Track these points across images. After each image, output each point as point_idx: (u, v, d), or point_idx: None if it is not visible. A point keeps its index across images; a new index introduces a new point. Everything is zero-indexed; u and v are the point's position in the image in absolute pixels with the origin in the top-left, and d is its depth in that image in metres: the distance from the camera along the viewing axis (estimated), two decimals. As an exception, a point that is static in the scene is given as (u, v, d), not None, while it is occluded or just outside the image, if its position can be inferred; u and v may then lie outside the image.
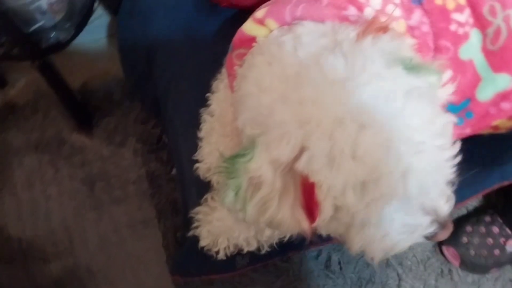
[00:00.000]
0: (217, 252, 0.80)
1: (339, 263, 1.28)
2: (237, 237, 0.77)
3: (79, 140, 1.36)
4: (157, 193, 1.33)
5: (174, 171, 1.33)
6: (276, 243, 0.80)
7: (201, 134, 0.83)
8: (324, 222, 0.51)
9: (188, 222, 0.95)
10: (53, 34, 1.09)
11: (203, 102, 0.84)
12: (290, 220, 0.52)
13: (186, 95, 0.87)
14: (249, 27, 0.64)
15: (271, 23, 0.61)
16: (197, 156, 0.83)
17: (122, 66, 1.05)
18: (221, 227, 0.77)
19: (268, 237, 0.78)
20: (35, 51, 1.06)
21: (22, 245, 1.27)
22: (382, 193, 0.47)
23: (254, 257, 0.86)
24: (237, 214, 0.53)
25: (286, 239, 0.78)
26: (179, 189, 0.96)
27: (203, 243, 0.79)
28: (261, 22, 0.62)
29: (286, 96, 0.50)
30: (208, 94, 0.82)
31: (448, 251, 1.29)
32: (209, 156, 0.81)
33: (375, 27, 0.53)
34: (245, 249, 0.79)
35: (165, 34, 0.90)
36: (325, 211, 0.50)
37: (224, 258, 0.80)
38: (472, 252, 1.24)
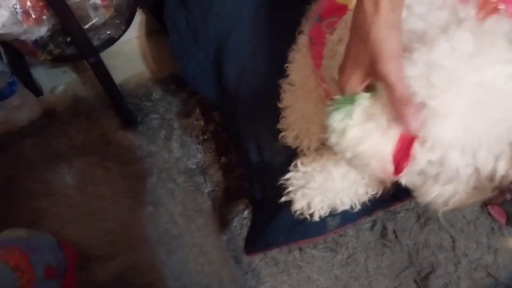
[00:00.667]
0: (311, 215, 0.82)
1: (394, 231, 1.31)
2: (333, 197, 0.80)
3: (125, 138, 1.37)
4: (209, 182, 1.35)
5: (223, 159, 1.36)
6: (367, 201, 0.83)
7: (282, 104, 0.86)
8: (409, 174, 0.56)
9: (265, 197, 0.99)
10: (105, 31, 1.11)
11: (278, 76, 0.87)
12: (379, 162, 0.56)
13: (261, 71, 0.90)
14: None
15: None
16: (281, 125, 0.86)
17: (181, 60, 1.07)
18: (317, 189, 0.79)
19: (362, 195, 0.81)
20: (89, 49, 1.08)
21: (79, 247, 1.27)
22: (475, 162, 0.53)
23: (344, 217, 0.89)
24: (333, 140, 0.56)
25: (377, 195, 0.82)
26: (253, 165, 0.98)
27: (297, 206, 0.82)
28: None
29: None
30: (286, 65, 0.85)
31: (494, 210, 1.34)
32: (295, 123, 0.84)
33: (490, 8, 0.57)
34: (339, 209, 0.82)
35: (235, 19, 0.92)
36: (418, 164, 0.55)
37: (318, 220, 0.83)
38: (517, 208, 1.29)
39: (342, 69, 0.56)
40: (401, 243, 1.31)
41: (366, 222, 1.33)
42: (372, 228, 1.32)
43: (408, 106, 0.51)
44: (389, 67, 0.50)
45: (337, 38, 0.68)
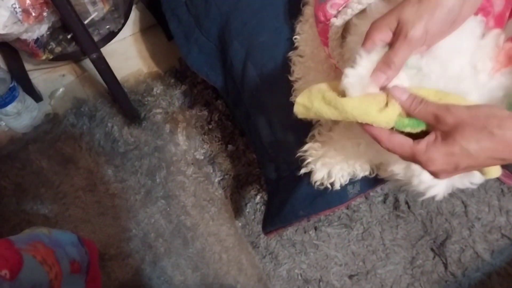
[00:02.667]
0: (332, 184, 0.83)
1: (406, 202, 1.32)
2: (353, 164, 0.80)
3: (131, 135, 1.37)
4: (219, 171, 1.35)
5: (230, 147, 1.36)
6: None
7: (293, 76, 0.86)
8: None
9: (279, 170, 0.99)
10: (104, 26, 1.11)
11: (286, 49, 0.88)
12: None
13: (268, 46, 0.90)
14: None
15: None
16: (294, 98, 0.86)
17: (180, 43, 1.06)
18: (337, 157, 0.80)
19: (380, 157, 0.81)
20: (90, 45, 1.08)
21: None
22: None
23: (364, 184, 0.90)
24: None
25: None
26: (265, 144, 0.99)
27: (318, 176, 0.82)
28: None
29: None
30: (295, 37, 0.85)
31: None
32: (309, 94, 0.84)
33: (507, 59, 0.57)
34: (359, 175, 0.82)
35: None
36: None
37: (339, 189, 0.83)
38: (523, 169, 1.30)
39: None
40: (414, 213, 1.32)
41: (378, 196, 1.34)
42: (384, 201, 1.33)
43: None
44: None
45: (341, 23, 0.69)
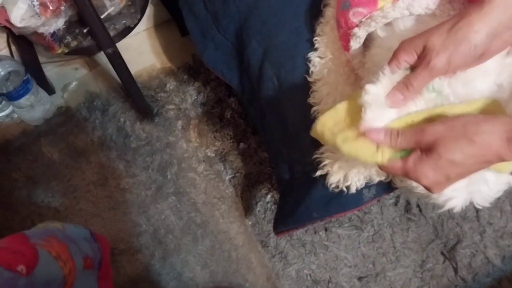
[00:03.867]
0: (348, 187, 0.82)
1: (418, 205, 1.32)
2: (370, 168, 0.80)
3: (143, 131, 1.37)
4: (230, 169, 1.35)
5: (242, 145, 1.36)
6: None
7: (312, 78, 0.85)
8: None
9: (293, 172, 0.98)
10: (120, 20, 1.11)
11: (306, 50, 0.87)
12: None
13: (287, 46, 0.90)
14: None
15: None
16: (312, 99, 0.86)
17: (197, 41, 1.06)
18: (354, 160, 0.79)
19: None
20: (106, 40, 1.07)
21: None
22: None
23: (379, 188, 0.89)
24: None
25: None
26: (278, 140, 0.98)
27: (334, 179, 0.81)
28: None
29: None
30: (315, 39, 0.84)
31: None
32: (328, 96, 0.83)
33: None
34: (376, 179, 0.81)
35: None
36: None
37: (354, 192, 0.83)
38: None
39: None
40: (425, 216, 1.31)
41: (389, 198, 1.33)
42: (396, 203, 1.33)
43: None
44: None
45: (364, 35, 0.69)
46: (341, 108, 0.60)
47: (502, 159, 0.49)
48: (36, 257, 0.72)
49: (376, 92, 0.56)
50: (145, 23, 1.49)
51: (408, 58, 0.55)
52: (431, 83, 0.57)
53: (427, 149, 0.52)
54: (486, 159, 0.50)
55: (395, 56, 0.56)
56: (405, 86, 0.55)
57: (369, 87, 0.56)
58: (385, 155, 0.56)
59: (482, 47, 0.52)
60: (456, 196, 0.58)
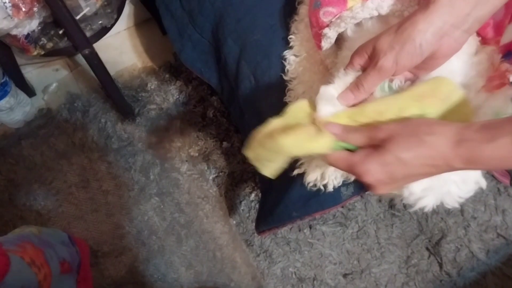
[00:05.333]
0: (325, 186, 0.82)
1: (402, 201, 1.31)
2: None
3: (124, 131, 1.36)
4: (213, 168, 1.34)
5: (225, 144, 1.35)
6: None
7: (288, 76, 0.84)
8: None
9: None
10: (97, 21, 1.09)
11: (281, 48, 0.86)
12: None
13: (262, 44, 0.89)
14: None
15: None
16: (288, 98, 0.85)
17: (175, 40, 1.05)
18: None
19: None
20: (82, 41, 1.06)
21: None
22: None
23: (357, 186, 0.89)
24: None
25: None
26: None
27: (311, 178, 0.80)
28: None
29: None
30: (290, 37, 0.83)
31: (496, 172, 1.35)
32: (304, 95, 0.82)
33: (496, 83, 0.57)
34: (352, 177, 0.81)
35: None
36: None
37: (332, 190, 0.82)
38: (520, 168, 1.29)
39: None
40: (409, 212, 1.31)
41: (373, 194, 1.33)
42: (380, 199, 1.32)
43: None
44: None
45: (334, 35, 0.69)
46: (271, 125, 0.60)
47: (449, 165, 0.48)
48: (7, 264, 0.71)
49: (327, 92, 0.58)
50: (126, 22, 1.48)
51: (361, 60, 0.57)
52: (385, 83, 0.56)
53: (378, 146, 0.51)
54: (434, 163, 0.49)
55: (350, 59, 0.58)
56: (356, 86, 0.57)
57: (322, 88, 0.59)
58: (327, 139, 0.55)
59: (428, 46, 0.52)
60: (426, 195, 0.58)
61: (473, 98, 0.56)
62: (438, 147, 0.48)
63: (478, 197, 1.32)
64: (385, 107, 0.54)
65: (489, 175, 1.34)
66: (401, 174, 0.50)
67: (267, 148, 0.58)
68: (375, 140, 0.51)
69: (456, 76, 0.56)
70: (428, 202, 0.59)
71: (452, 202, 0.58)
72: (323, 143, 0.55)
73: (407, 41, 0.52)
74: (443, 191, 0.57)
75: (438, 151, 0.48)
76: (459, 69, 0.57)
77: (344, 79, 0.58)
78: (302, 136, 0.55)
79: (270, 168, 0.62)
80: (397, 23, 0.54)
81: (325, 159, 0.56)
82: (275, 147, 0.56)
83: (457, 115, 0.53)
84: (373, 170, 0.51)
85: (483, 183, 0.58)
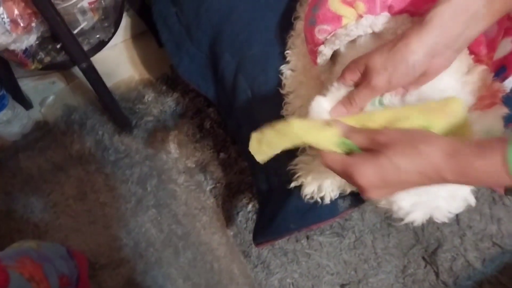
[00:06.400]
0: (322, 198, 0.82)
1: (398, 210, 1.31)
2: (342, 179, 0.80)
3: (122, 143, 1.36)
4: (210, 179, 1.35)
5: (222, 155, 1.36)
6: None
7: (285, 90, 0.85)
8: None
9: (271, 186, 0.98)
10: (94, 35, 1.10)
11: (278, 62, 0.87)
12: None
13: (259, 58, 0.90)
14: (336, 6, 0.67)
15: (361, 6, 0.65)
16: (285, 112, 0.86)
17: (173, 54, 1.06)
18: (327, 171, 0.79)
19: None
20: (80, 55, 1.07)
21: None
22: None
23: (354, 198, 0.89)
24: None
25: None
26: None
27: (308, 190, 0.81)
28: (350, 4, 0.66)
29: None
30: (287, 51, 0.85)
31: (492, 181, 1.36)
32: (301, 109, 0.83)
33: (487, 102, 0.59)
34: (349, 190, 0.82)
35: (228, 9, 0.92)
36: None
37: (329, 202, 0.83)
38: (514, 176, 1.31)
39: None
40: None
41: (369, 204, 1.33)
42: (376, 209, 1.33)
43: None
44: None
45: (329, 52, 0.71)
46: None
47: (440, 176, 0.49)
48: (7, 280, 0.71)
49: (320, 102, 0.61)
50: (122, 35, 1.49)
51: (352, 76, 0.59)
52: (377, 99, 0.58)
53: (376, 151, 0.52)
54: (426, 172, 0.50)
55: (342, 74, 0.60)
56: (348, 101, 0.59)
57: (316, 98, 0.61)
58: (334, 133, 0.56)
59: (421, 66, 0.54)
60: (415, 210, 0.59)
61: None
62: (431, 157, 0.49)
63: (473, 206, 1.33)
64: (394, 115, 0.56)
65: (484, 184, 1.35)
66: (394, 179, 0.51)
67: (276, 129, 0.60)
68: (376, 143, 0.53)
69: (447, 94, 0.58)
70: (417, 217, 0.60)
71: (442, 217, 0.59)
72: (329, 135, 0.56)
73: (400, 62, 0.54)
74: (432, 206, 0.58)
75: (431, 161, 0.49)
76: (450, 87, 0.59)
77: (336, 93, 0.61)
78: (312, 124, 0.58)
79: (265, 154, 0.63)
80: (390, 42, 0.55)
81: (322, 160, 0.57)
82: (285, 128, 0.58)
83: (458, 133, 0.54)
84: (367, 173, 0.52)
85: (472, 201, 0.59)
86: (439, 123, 0.54)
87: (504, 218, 1.31)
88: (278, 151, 0.61)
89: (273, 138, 0.60)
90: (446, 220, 0.59)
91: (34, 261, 0.82)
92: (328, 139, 0.56)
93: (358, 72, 0.58)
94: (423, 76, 0.56)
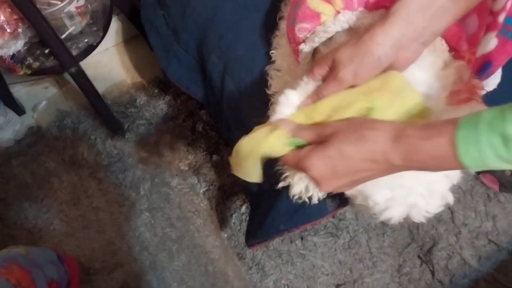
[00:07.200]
0: (310, 198, 0.82)
1: (393, 210, 1.31)
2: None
3: (114, 147, 1.36)
4: (204, 182, 1.35)
5: (215, 157, 1.35)
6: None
7: (271, 90, 0.85)
8: None
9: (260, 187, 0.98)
10: (83, 39, 1.10)
11: (264, 63, 0.87)
12: None
13: (245, 60, 0.90)
14: (315, 3, 0.67)
15: (338, 2, 0.65)
16: (271, 112, 0.85)
17: (161, 57, 1.06)
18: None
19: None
20: (69, 59, 1.07)
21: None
22: None
23: (343, 198, 0.89)
24: None
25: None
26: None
27: (295, 190, 0.80)
28: (328, 0, 0.66)
29: None
30: (272, 52, 0.84)
31: (485, 178, 1.36)
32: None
33: (463, 97, 0.58)
34: (334, 191, 0.81)
35: (213, 11, 0.92)
36: None
37: (317, 202, 0.82)
38: (508, 172, 1.30)
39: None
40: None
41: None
42: (357, 209, 1.32)
43: None
44: None
45: (310, 50, 0.70)
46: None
47: (388, 161, 0.49)
48: (-8, 286, 0.71)
49: (289, 96, 0.62)
50: (114, 39, 1.49)
51: (321, 71, 0.60)
52: None
53: (323, 141, 0.53)
54: (373, 157, 0.50)
55: (311, 69, 0.61)
56: (316, 95, 0.60)
57: (286, 91, 0.63)
58: (282, 134, 0.57)
59: (387, 58, 0.54)
60: (391, 206, 0.58)
61: (433, 107, 0.56)
62: (377, 142, 0.49)
63: (468, 203, 1.33)
64: (336, 102, 0.57)
65: (479, 181, 1.35)
66: (343, 169, 0.52)
67: (239, 155, 0.61)
68: (323, 136, 0.53)
69: (419, 87, 0.57)
70: (393, 214, 0.59)
71: (419, 217, 0.58)
72: (277, 139, 0.57)
73: (366, 54, 0.54)
74: (409, 203, 0.57)
75: (377, 146, 0.49)
76: (422, 80, 0.59)
77: (305, 87, 0.62)
78: (258, 134, 0.59)
79: (253, 174, 0.64)
80: (356, 36, 0.56)
81: (282, 161, 0.59)
82: (239, 150, 0.60)
83: (415, 117, 0.54)
84: (316, 164, 0.53)
85: (450, 198, 0.59)
86: (384, 102, 0.54)
87: (499, 215, 1.30)
88: (258, 163, 0.61)
89: (244, 162, 0.62)
90: (423, 220, 0.59)
91: (22, 267, 0.82)
92: (278, 142, 0.57)
93: (326, 67, 0.59)
94: (390, 69, 0.56)
